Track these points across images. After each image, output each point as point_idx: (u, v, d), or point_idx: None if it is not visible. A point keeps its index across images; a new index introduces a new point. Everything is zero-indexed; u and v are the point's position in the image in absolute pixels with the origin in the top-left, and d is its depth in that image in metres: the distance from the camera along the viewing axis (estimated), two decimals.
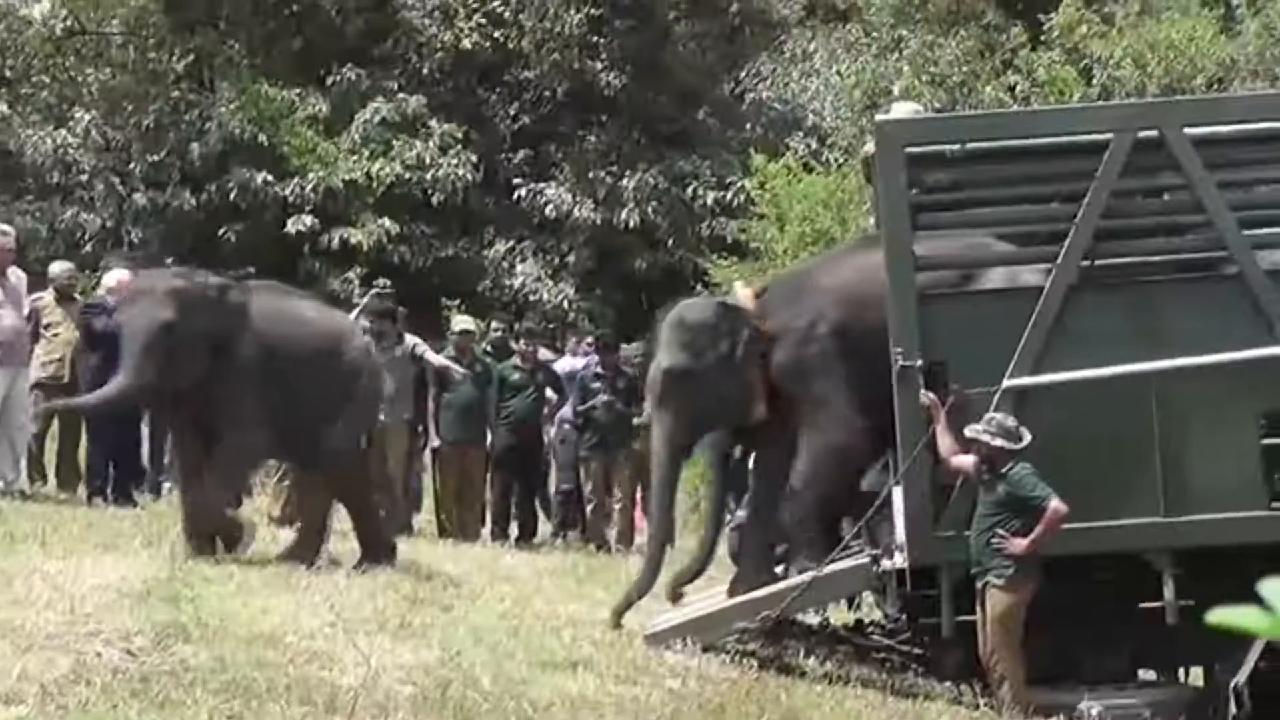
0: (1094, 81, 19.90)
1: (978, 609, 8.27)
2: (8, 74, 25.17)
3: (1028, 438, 8.13)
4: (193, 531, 9.24)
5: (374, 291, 13.94)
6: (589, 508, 14.04)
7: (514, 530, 13.73)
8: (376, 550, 9.79)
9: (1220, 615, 1.53)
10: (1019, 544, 8.05)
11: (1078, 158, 8.86)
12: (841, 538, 9.28)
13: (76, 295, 12.86)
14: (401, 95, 23.02)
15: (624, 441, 13.74)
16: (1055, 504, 8.02)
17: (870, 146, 9.48)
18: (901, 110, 10.75)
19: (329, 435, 9.60)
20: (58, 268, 12.86)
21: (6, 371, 11.72)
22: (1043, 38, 21.15)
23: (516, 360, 14.02)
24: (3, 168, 23.39)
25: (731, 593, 9.31)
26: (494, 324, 15.25)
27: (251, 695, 6.31)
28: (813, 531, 9.19)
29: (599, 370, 14.02)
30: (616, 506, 13.91)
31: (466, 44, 24.01)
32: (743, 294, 9.62)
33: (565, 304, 22.42)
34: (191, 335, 9.17)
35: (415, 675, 7.04)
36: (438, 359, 13.26)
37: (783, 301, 9.42)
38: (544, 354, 14.89)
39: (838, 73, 22.52)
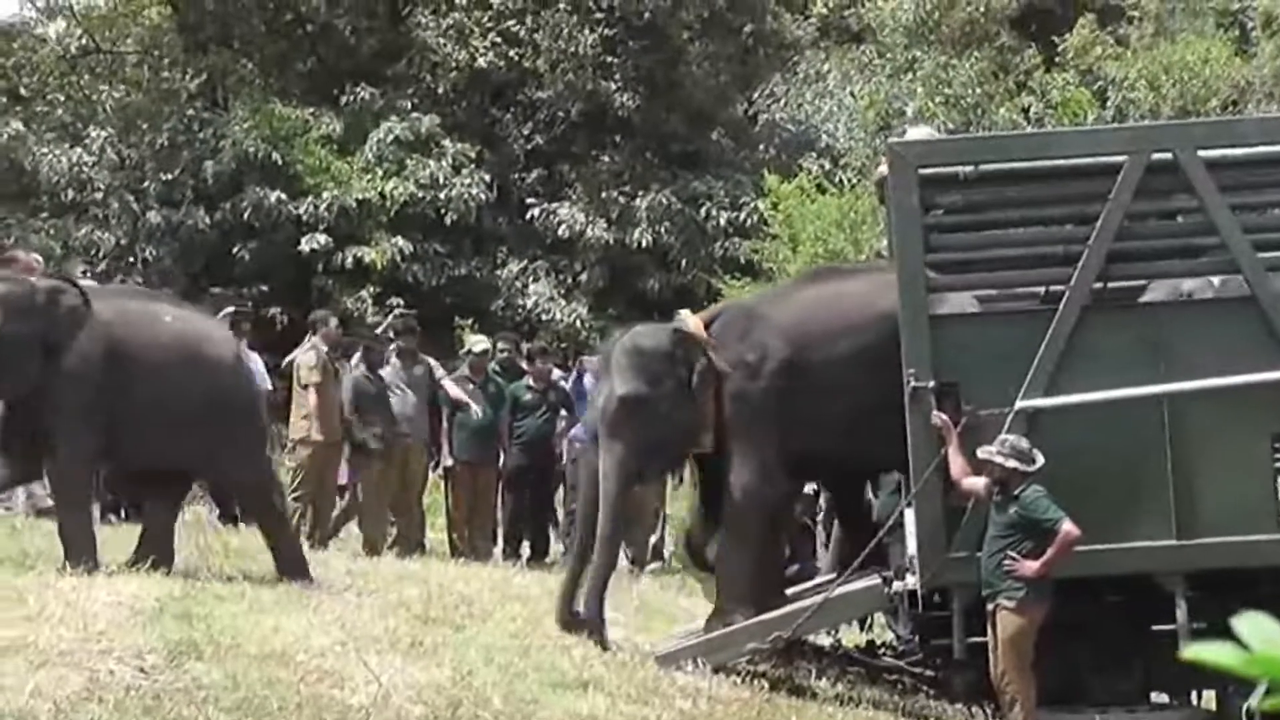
0: (1108, 103, 19.94)
1: (989, 631, 8.25)
2: (23, 92, 25.24)
3: (1040, 460, 8.11)
4: (74, 557, 8.56)
5: (398, 311, 13.94)
6: None
7: (525, 550, 13.72)
8: (291, 566, 9.37)
9: (1196, 651, 1.51)
10: (1030, 566, 8.03)
11: (1091, 180, 8.85)
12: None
13: None
14: (415, 114, 22.99)
15: None
16: (1067, 526, 8.00)
17: (883, 168, 9.46)
18: (918, 134, 10.76)
19: (203, 442, 9.11)
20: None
21: None
22: (1057, 59, 21.22)
23: (529, 380, 14.01)
24: (18, 185, 23.42)
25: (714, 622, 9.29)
26: (500, 344, 15.11)
27: (263, 713, 6.33)
28: (745, 584, 9.21)
29: None
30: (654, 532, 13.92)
31: (481, 63, 24.02)
32: (692, 322, 9.58)
33: (578, 324, 22.38)
34: (15, 341, 8.61)
35: (426, 694, 7.05)
36: (456, 391, 13.22)
37: (732, 333, 9.42)
38: (556, 374, 14.88)
39: (851, 94, 22.57)
